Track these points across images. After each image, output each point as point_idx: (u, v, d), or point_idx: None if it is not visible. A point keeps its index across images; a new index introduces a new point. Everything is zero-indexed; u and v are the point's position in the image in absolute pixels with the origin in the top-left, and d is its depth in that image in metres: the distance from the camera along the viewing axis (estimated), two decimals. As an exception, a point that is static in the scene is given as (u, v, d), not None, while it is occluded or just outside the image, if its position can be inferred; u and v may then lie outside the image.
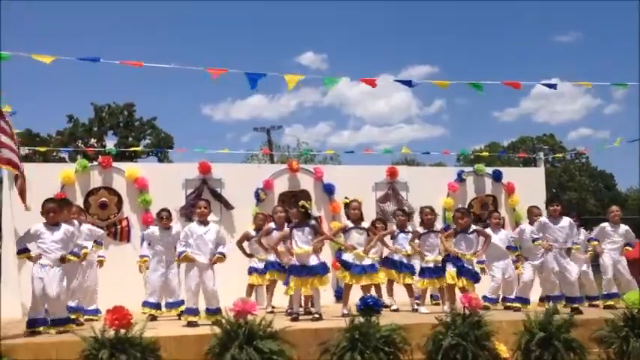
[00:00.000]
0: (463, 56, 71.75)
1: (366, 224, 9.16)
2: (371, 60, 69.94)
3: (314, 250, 8.31)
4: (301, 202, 8.63)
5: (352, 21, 74.78)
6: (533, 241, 9.26)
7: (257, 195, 11.93)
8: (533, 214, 10.07)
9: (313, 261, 8.26)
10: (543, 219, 9.34)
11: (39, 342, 6.73)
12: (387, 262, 9.76)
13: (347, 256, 8.88)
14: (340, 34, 74.02)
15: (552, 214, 9.30)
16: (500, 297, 10.00)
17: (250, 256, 9.92)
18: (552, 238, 9.14)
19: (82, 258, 8.13)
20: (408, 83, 10.15)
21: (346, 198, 9.29)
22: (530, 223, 9.97)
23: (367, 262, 8.90)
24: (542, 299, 9.57)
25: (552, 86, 10.94)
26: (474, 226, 9.09)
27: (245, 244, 9.98)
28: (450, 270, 8.74)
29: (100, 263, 9.49)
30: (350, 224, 9.04)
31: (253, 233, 9.95)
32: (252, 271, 9.91)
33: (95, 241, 9.09)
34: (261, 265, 9.81)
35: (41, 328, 7.31)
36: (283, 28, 73.92)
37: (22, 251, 7.62)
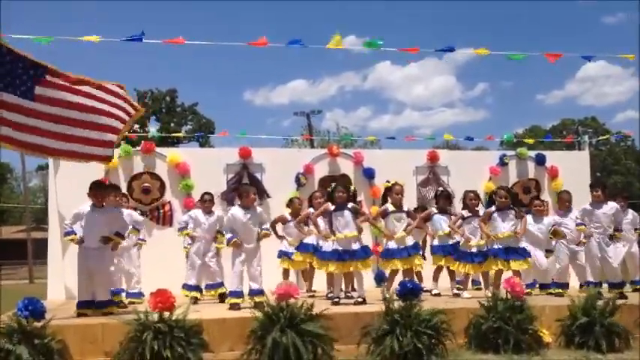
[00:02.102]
0: (508, 39, 70.68)
1: (406, 207, 9.11)
2: (414, 44, 69.22)
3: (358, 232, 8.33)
4: (335, 184, 8.61)
5: (395, 4, 74.20)
6: (577, 225, 9.11)
7: (297, 180, 11.97)
8: (563, 199, 9.85)
9: (355, 245, 8.26)
10: (586, 205, 9.18)
11: (85, 323, 6.89)
12: (435, 250, 9.67)
13: (390, 244, 8.84)
14: (383, 18, 73.58)
15: (595, 200, 9.13)
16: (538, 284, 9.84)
17: (281, 237, 9.96)
18: (596, 224, 8.99)
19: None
20: (450, 50, 10.06)
21: (388, 181, 9.22)
22: (559, 209, 9.80)
23: (410, 242, 8.85)
24: (582, 285, 9.42)
25: (589, 58, 10.62)
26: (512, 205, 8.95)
27: (279, 227, 10.01)
28: (499, 258, 8.61)
29: (139, 246, 9.63)
30: (391, 208, 8.98)
31: (289, 217, 9.98)
32: (281, 254, 9.94)
33: (132, 227, 9.23)
34: (291, 249, 9.84)
35: (88, 311, 7.49)
36: (326, 10, 73.73)
37: (68, 233, 7.81)
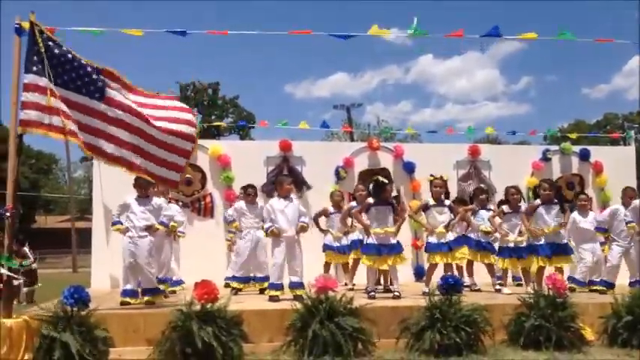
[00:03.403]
0: (554, 33, 69.45)
1: (448, 202, 9.05)
2: (456, 39, 68.47)
3: (396, 232, 8.32)
4: (375, 177, 8.58)
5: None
6: (627, 223, 8.94)
7: (337, 173, 11.99)
8: (627, 195, 9.64)
9: (392, 240, 8.25)
10: (639, 202, 9.00)
11: (128, 313, 7.04)
12: (466, 241, 9.58)
13: (431, 239, 8.81)
14: (426, 10, 73.02)
15: None
16: (587, 280, 9.70)
17: (325, 232, 9.98)
18: None
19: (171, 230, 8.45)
20: (495, 33, 9.89)
21: (431, 175, 9.17)
22: (623, 204, 9.59)
23: (451, 237, 8.80)
24: (631, 284, 9.24)
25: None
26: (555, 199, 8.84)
27: (322, 220, 10.04)
28: (541, 255, 8.51)
29: (177, 237, 9.76)
30: (431, 202, 8.94)
31: (331, 210, 10.00)
32: (325, 248, 9.97)
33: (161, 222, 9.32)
34: (335, 243, 9.86)
35: (131, 300, 7.63)
36: (369, 2, 73.42)
37: (115, 223, 8.03)
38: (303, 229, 8.28)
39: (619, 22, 70.41)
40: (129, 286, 7.74)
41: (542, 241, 8.61)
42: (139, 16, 71.35)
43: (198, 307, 6.00)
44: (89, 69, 6.85)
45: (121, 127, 7.04)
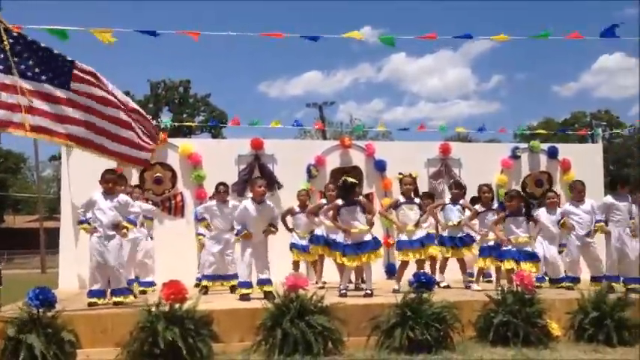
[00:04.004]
0: (524, 31, 70.22)
1: (418, 200, 9.10)
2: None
3: (369, 226, 8.34)
4: (344, 177, 8.57)
5: (411, -1, 73.94)
6: (596, 222, 9.06)
7: (309, 171, 11.99)
8: (577, 189, 9.74)
9: (367, 237, 8.27)
10: (609, 199, 9.11)
11: (96, 314, 6.94)
12: (442, 240, 9.62)
13: (402, 236, 8.84)
14: (398, 9, 73.29)
15: (620, 192, 9.08)
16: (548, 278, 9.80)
17: (291, 230, 9.98)
18: (618, 217, 8.94)
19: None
20: (467, 36, 9.98)
21: (400, 174, 9.23)
22: (573, 198, 9.72)
23: (422, 233, 8.84)
24: (593, 279, 9.36)
25: (613, 32, 10.23)
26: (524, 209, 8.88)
27: (288, 219, 10.04)
28: (509, 259, 8.58)
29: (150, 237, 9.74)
30: (401, 199, 8.98)
31: (297, 209, 9.99)
32: (292, 247, 9.97)
33: (143, 216, 9.26)
34: (302, 241, 9.87)
35: (98, 300, 7.54)
36: (340, 2, 73.51)
37: (82, 222, 7.88)
38: (270, 232, 8.26)
39: (591, 20, 71.30)
40: (96, 287, 7.61)
41: (513, 249, 8.66)
42: (140, 15, 70.77)
43: (166, 308, 5.95)
44: (59, 60, 6.80)
45: (91, 113, 7.08)
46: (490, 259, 8.98)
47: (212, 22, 67.17)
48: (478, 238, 9.25)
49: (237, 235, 8.31)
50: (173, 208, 11.53)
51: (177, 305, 5.99)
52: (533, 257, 8.58)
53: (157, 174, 11.45)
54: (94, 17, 64.46)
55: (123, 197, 7.98)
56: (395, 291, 8.16)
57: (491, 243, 8.95)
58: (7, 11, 6.64)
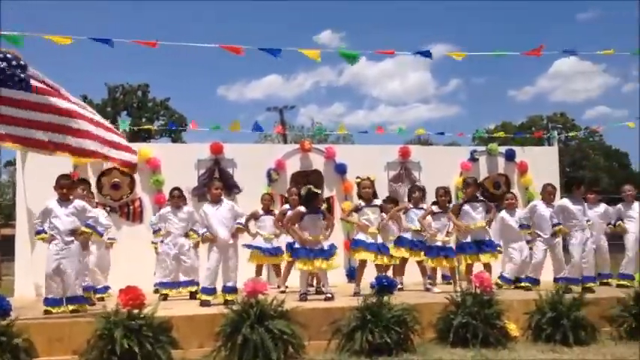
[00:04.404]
0: (482, 37, 71.15)
1: (378, 202, 9.14)
2: (389, 39, 69.50)
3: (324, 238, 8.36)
4: (308, 186, 8.57)
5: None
6: (554, 225, 9.20)
7: (269, 175, 11.95)
8: (547, 191, 9.92)
9: (324, 245, 8.28)
10: (565, 202, 9.26)
11: (52, 322, 6.80)
12: (401, 241, 9.68)
13: (360, 235, 8.87)
14: (359, 13, 73.62)
15: (576, 196, 9.23)
16: (514, 277, 9.95)
17: (254, 235, 9.94)
18: (573, 220, 9.10)
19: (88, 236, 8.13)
20: (426, 54, 10.07)
21: (358, 177, 9.26)
22: (543, 199, 9.87)
23: (380, 241, 8.88)
24: (556, 279, 9.52)
25: (572, 53, 10.63)
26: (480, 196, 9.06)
27: (251, 223, 10.00)
28: (468, 252, 8.66)
29: (111, 245, 9.62)
30: (362, 203, 9.02)
31: (261, 212, 9.97)
32: (254, 249, 9.92)
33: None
34: (266, 245, 9.83)
35: (53, 308, 7.39)
36: (301, 5, 73.57)
37: (39, 232, 7.68)
38: (239, 230, 8.20)
39: (549, 24, 72.59)
40: (51, 295, 7.45)
41: (469, 239, 8.79)
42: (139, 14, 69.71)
43: (124, 314, 5.87)
44: (13, 61, 6.66)
45: (61, 114, 6.93)
46: (437, 260, 9.07)
47: (170, 24, 66.60)
48: (428, 236, 9.30)
49: (201, 237, 8.24)
50: (131, 213, 11.38)
51: (135, 312, 5.92)
52: (491, 246, 8.70)
53: (115, 179, 11.29)
54: (93, 18, 63.36)
55: (79, 203, 7.81)
56: (355, 294, 8.18)
57: (439, 244, 9.05)
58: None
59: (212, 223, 8.06)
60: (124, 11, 66.99)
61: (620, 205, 10.24)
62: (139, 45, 8.94)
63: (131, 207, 11.41)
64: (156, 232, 9.45)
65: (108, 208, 10.65)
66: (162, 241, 9.38)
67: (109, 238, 9.50)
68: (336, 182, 12.32)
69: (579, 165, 47.01)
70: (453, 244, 9.21)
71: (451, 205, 9.46)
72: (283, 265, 10.02)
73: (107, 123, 7.51)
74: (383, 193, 11.36)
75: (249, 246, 9.86)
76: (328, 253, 8.24)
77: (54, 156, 7.20)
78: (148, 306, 6.06)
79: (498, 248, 9.49)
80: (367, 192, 8.98)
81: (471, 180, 9.42)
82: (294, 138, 35.55)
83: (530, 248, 9.98)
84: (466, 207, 8.88)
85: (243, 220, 8.32)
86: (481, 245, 8.79)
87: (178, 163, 11.66)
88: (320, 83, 73.59)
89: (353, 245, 8.88)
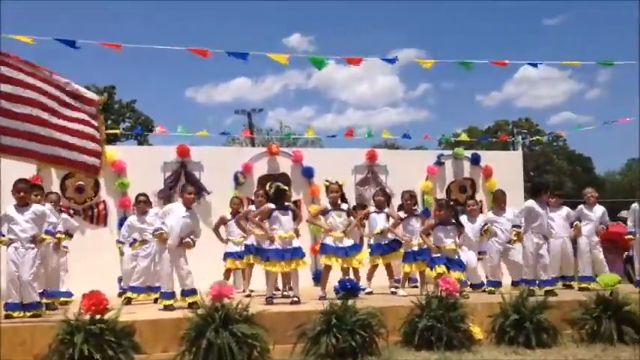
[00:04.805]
0: (450, 40, 71.86)
1: (345, 206, 9.15)
2: (358, 43, 69.77)
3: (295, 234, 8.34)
4: (276, 184, 8.55)
5: (340, 3, 74.53)
6: (513, 227, 9.30)
7: (236, 178, 11.91)
8: (498, 199, 10.07)
9: (295, 243, 8.26)
10: (531, 203, 9.37)
11: (13, 326, 6.68)
12: (374, 248, 9.64)
13: (327, 240, 8.87)
14: (328, 17, 73.76)
15: (543, 200, 9.35)
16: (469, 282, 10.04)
17: (225, 241, 9.89)
18: (536, 223, 9.22)
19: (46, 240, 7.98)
20: (392, 61, 10.18)
21: (326, 181, 9.28)
22: (494, 207, 10.04)
23: (348, 243, 8.88)
24: (514, 283, 9.63)
25: (536, 65, 10.86)
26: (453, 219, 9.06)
27: (221, 229, 9.96)
28: (440, 265, 8.70)
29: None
30: (329, 207, 9.03)
31: (229, 217, 9.93)
32: (227, 256, 9.89)
33: (66, 232, 9.00)
34: (236, 249, 9.79)
35: (13, 313, 7.27)
36: (270, 9, 73.43)
37: None
38: (187, 245, 8.03)
39: (516, 31, 73.62)
40: (11, 300, 7.33)
41: (440, 254, 8.79)
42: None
43: (86, 319, 5.80)
44: None
45: (30, 107, 6.68)
46: (415, 264, 9.12)
47: (137, 23, 65.99)
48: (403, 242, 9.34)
49: (153, 232, 8.13)
50: (95, 216, 11.25)
51: (98, 316, 5.85)
52: (460, 265, 8.76)
53: (79, 182, 11.15)
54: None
55: (38, 208, 7.69)
56: (321, 298, 8.17)
57: (415, 248, 9.09)
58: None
59: (175, 225, 7.96)
60: (91, 12, 66.24)
61: (581, 206, 10.39)
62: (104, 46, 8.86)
63: (95, 210, 11.28)
64: (132, 244, 9.23)
65: (72, 211, 10.51)
66: (122, 242, 9.27)
67: (63, 246, 9.31)
68: (303, 186, 12.32)
69: (543, 169, 47.66)
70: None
71: (418, 209, 9.52)
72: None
73: (73, 124, 7.27)
74: (350, 196, 11.38)
75: (228, 254, 9.84)
76: (300, 253, 8.21)
77: (18, 161, 7.03)
78: (111, 310, 6.00)
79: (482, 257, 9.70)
80: (334, 196, 9.00)
81: (444, 202, 9.48)
82: (262, 141, 35.45)
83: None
84: (437, 230, 8.83)
85: (195, 238, 8.14)
86: (451, 263, 8.79)
87: (144, 165, 11.56)
88: (289, 86, 73.70)
89: (321, 250, 8.89)
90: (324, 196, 11.07)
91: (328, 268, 8.87)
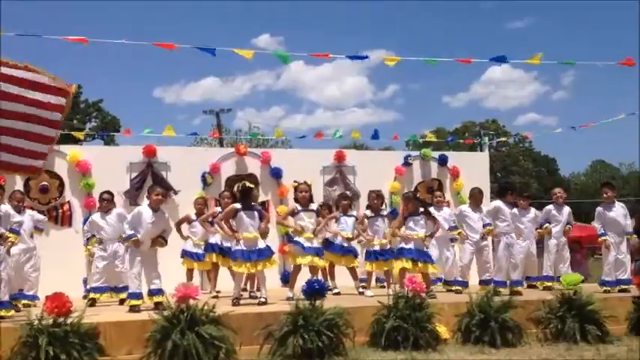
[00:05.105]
0: (418, 42, 72.36)
1: (315, 206, 9.14)
2: (327, 43, 69.96)
3: (262, 235, 8.28)
4: (242, 182, 8.48)
5: (310, 4, 74.62)
6: (484, 226, 9.38)
7: (203, 179, 11.83)
8: (475, 197, 10.15)
9: (261, 244, 8.21)
10: (498, 204, 9.46)
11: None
12: (328, 246, 9.65)
13: (298, 239, 8.85)
14: (297, 17, 73.76)
15: (508, 200, 9.43)
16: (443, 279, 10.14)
17: (185, 238, 9.83)
18: (505, 224, 9.30)
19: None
20: (361, 58, 10.22)
21: (295, 181, 9.26)
22: (472, 204, 10.09)
23: (316, 244, 8.88)
24: (481, 282, 9.70)
25: (502, 59, 10.88)
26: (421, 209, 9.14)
27: (184, 227, 9.88)
28: (407, 259, 8.74)
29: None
30: (299, 207, 9.01)
31: (194, 217, 9.86)
32: (184, 254, 9.83)
33: (35, 227, 8.87)
34: (195, 249, 9.73)
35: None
36: (240, 9, 73.26)
37: None
38: (160, 244, 8.00)
39: (482, 32, 74.34)
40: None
41: (411, 246, 8.83)
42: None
43: (50, 321, 5.71)
44: None
45: None
46: (376, 264, 9.15)
47: (104, 22, 65.22)
48: (365, 241, 9.36)
49: (125, 239, 8.04)
50: (60, 217, 11.08)
51: (61, 319, 5.77)
52: (429, 257, 8.82)
53: (43, 182, 10.97)
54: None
55: (2, 207, 7.58)
56: (289, 299, 8.14)
57: (377, 248, 9.12)
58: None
59: (144, 228, 7.88)
60: (57, 7, 65.36)
61: (550, 207, 10.50)
62: (70, 45, 8.72)
63: (60, 211, 11.11)
64: (89, 239, 9.17)
65: (36, 212, 10.33)
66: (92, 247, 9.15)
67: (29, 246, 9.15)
68: (271, 186, 12.28)
69: (509, 170, 48.22)
70: (389, 247, 9.28)
71: (385, 210, 9.55)
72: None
73: (16, 124, 7.08)
74: (318, 196, 11.40)
75: (186, 253, 9.77)
76: (268, 254, 8.18)
77: None
78: (75, 312, 5.92)
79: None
80: (304, 196, 8.98)
81: (410, 194, 9.53)
82: (230, 142, 35.28)
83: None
84: (408, 221, 8.91)
85: (167, 237, 8.13)
86: (422, 254, 8.83)
87: (109, 166, 11.43)
88: (258, 87, 73.75)
89: (291, 247, 8.88)
90: (293, 197, 11.11)
91: (297, 268, 8.86)
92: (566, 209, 10.48)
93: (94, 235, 9.04)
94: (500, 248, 9.31)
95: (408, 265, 8.68)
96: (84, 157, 11.36)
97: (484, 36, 73.37)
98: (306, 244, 8.76)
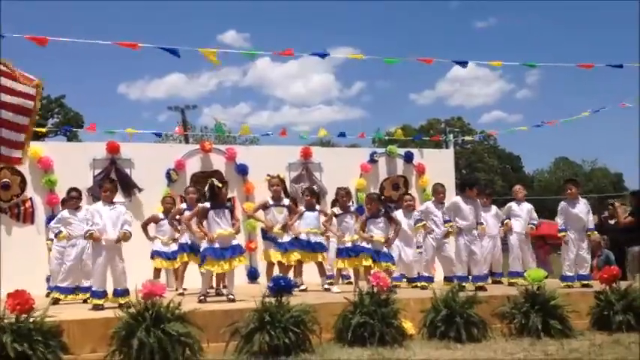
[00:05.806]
0: (385, 40, 72.63)
1: (287, 201, 9.13)
2: (294, 41, 69.83)
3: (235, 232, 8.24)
4: (211, 180, 8.41)
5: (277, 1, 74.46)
6: (445, 222, 9.45)
7: (168, 175, 11.75)
8: (437, 192, 10.20)
9: (234, 241, 8.15)
10: (457, 200, 9.53)
11: None
12: (298, 243, 9.63)
13: (270, 235, 8.83)
14: (263, 13, 73.51)
15: (469, 196, 9.50)
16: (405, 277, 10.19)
17: (152, 239, 9.73)
18: (464, 220, 9.37)
19: None
20: (323, 55, 10.27)
21: (268, 175, 9.23)
22: (435, 200, 10.15)
23: (287, 238, 8.87)
24: (446, 279, 9.78)
25: (464, 64, 11.08)
26: (382, 210, 9.16)
27: (151, 227, 9.77)
28: (365, 255, 8.78)
29: None
30: (270, 202, 8.98)
31: (161, 216, 9.76)
32: (154, 254, 9.72)
33: None
34: (165, 249, 9.65)
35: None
36: (205, 5, 72.73)
37: None
38: (125, 237, 7.85)
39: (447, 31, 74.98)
40: None
41: (370, 246, 8.87)
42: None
43: (12, 320, 5.62)
44: None
45: None
46: (348, 261, 9.16)
47: (67, 20, 64.26)
48: (335, 238, 9.39)
49: (84, 235, 7.91)
50: (22, 214, 10.90)
51: (24, 316, 5.68)
52: (388, 257, 8.86)
53: (4, 179, 10.78)
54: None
55: None
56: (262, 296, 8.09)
57: (349, 244, 9.14)
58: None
59: (100, 221, 7.77)
60: (20, 6, 64.17)
61: (511, 204, 10.65)
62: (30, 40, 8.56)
63: (22, 208, 10.93)
64: (57, 234, 9.00)
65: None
66: (52, 239, 9.01)
67: None
68: (237, 183, 12.24)
69: (474, 167, 48.75)
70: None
71: (352, 206, 9.59)
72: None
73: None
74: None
75: (156, 253, 9.68)
76: (239, 251, 8.11)
77: None
78: (38, 310, 5.82)
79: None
80: (277, 190, 8.98)
81: (375, 195, 9.55)
82: (196, 138, 35.06)
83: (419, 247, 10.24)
84: (369, 222, 8.97)
85: (129, 228, 7.94)
86: (380, 255, 8.88)
87: (72, 162, 11.29)
88: (224, 83, 73.26)
89: (266, 243, 8.86)
90: (259, 194, 11.11)
91: (272, 264, 8.84)
92: (527, 205, 10.63)
93: (61, 232, 8.89)
94: (461, 244, 9.37)
95: (368, 262, 8.73)
96: (46, 153, 11.20)
97: (451, 35, 73.97)
98: (278, 240, 8.77)
